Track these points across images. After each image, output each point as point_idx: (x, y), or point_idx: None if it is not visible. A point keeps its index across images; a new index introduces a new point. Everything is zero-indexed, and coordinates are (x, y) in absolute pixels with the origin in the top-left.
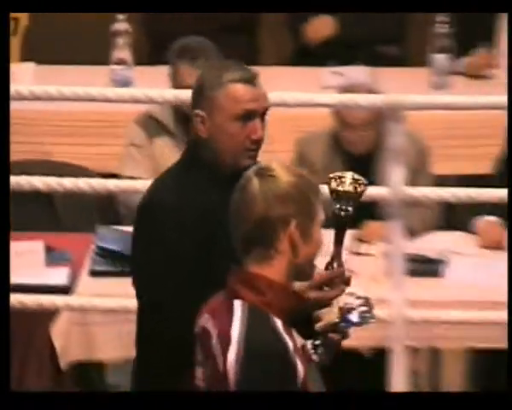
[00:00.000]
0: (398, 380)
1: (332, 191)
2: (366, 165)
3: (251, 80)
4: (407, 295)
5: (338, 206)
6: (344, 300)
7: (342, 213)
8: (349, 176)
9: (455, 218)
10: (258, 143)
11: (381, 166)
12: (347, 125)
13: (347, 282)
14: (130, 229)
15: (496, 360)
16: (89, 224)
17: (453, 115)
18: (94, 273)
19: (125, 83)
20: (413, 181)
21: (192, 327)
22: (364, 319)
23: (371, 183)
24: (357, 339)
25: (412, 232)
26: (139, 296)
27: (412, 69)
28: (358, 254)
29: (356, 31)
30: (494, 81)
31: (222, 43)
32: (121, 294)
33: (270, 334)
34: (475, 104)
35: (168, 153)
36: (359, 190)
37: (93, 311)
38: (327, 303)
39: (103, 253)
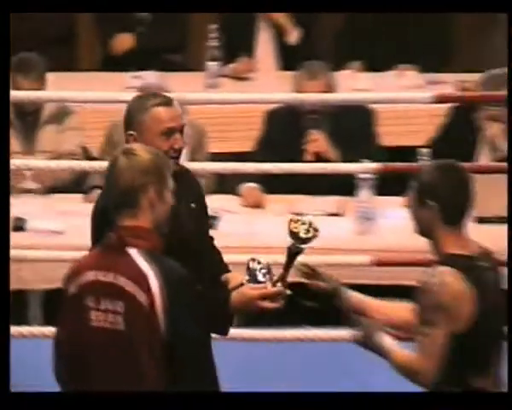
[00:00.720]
0: None
1: (290, 231)
2: None
3: (168, 103)
4: None
5: (292, 243)
6: (250, 264)
7: (293, 249)
8: (306, 222)
9: (224, 184)
10: (179, 151)
11: None
12: None
13: (284, 297)
14: None
15: None
16: None
17: (225, 108)
18: None
19: None
20: (193, 157)
21: None
22: (266, 278)
23: None
24: None
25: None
26: None
27: (193, 73)
28: None
29: (149, 42)
30: (253, 82)
31: (47, 55)
32: None
33: (173, 264)
34: (240, 100)
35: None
36: (311, 235)
37: None
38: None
39: None
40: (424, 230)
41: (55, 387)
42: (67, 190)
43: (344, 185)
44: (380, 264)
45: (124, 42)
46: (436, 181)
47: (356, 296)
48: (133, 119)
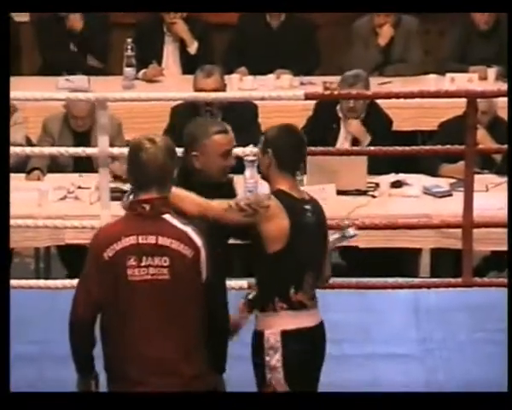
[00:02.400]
0: None
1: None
2: (87, 137)
3: (226, 131)
4: (112, 212)
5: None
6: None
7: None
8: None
9: None
10: (232, 168)
11: (95, 137)
12: (73, 114)
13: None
14: None
15: None
16: None
17: (138, 105)
18: None
19: None
20: (112, 144)
21: None
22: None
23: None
24: None
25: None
26: None
27: (112, 77)
28: None
29: (78, 52)
30: (161, 84)
31: None
32: None
33: (202, 224)
34: (151, 98)
35: None
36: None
37: None
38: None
39: None
40: (265, 173)
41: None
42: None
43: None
44: None
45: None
46: (273, 134)
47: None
48: (197, 142)
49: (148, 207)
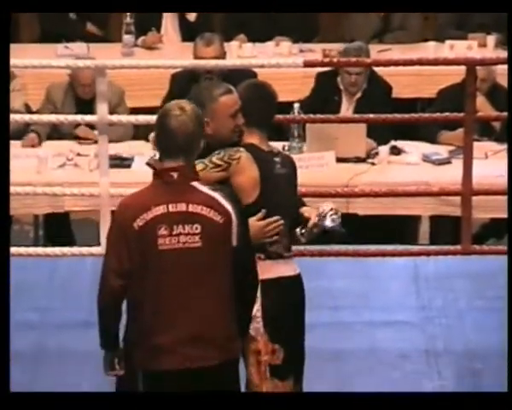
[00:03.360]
0: None
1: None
2: (90, 105)
3: (231, 91)
4: (111, 179)
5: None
6: (321, 207)
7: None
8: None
9: (139, 132)
10: (241, 127)
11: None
12: (78, 81)
13: None
14: None
15: None
16: None
17: (138, 72)
18: None
19: None
20: (114, 111)
21: None
22: (334, 222)
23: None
24: None
25: (116, 140)
26: None
27: (112, 44)
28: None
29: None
30: (161, 51)
31: None
32: None
33: (229, 189)
34: (150, 65)
35: None
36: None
37: None
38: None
39: None
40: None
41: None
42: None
43: None
44: None
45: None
46: (242, 90)
47: None
48: (205, 108)
49: (176, 175)
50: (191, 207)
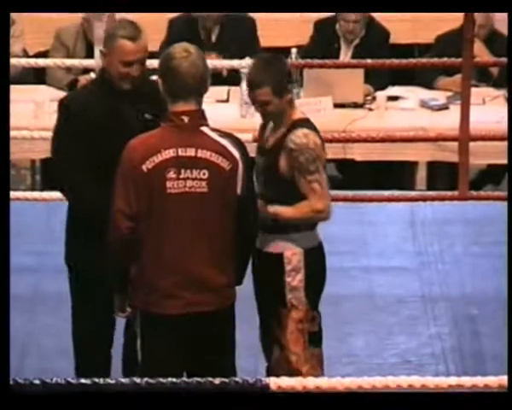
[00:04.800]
0: None
1: None
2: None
3: (134, 38)
4: None
5: None
6: None
7: None
8: None
9: None
10: (133, 78)
11: None
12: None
13: None
14: None
15: None
16: None
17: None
18: None
19: None
20: None
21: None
22: None
23: None
24: None
25: None
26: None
27: None
28: None
29: None
30: None
31: None
32: None
33: (236, 137)
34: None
35: None
36: None
37: None
38: None
39: None
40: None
41: None
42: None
43: (231, 78)
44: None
45: None
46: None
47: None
48: (107, 41)
49: (186, 119)
50: (200, 153)
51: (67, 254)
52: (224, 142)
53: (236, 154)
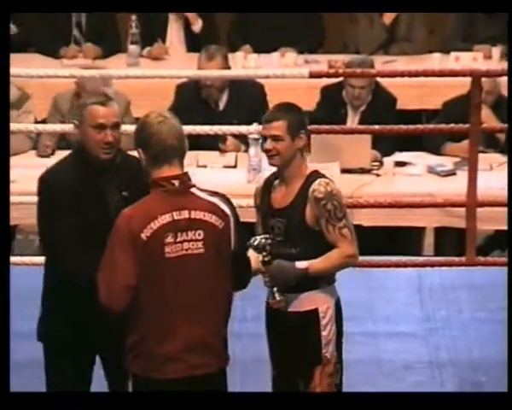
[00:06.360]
0: None
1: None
2: None
3: (104, 103)
4: None
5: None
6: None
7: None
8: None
9: None
10: (109, 144)
11: None
12: (84, 90)
13: None
14: None
15: None
16: None
17: (144, 82)
18: None
19: None
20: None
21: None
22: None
23: None
24: None
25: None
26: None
27: (117, 55)
28: None
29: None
30: (166, 62)
31: None
32: None
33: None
34: (156, 75)
35: None
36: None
37: None
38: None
39: None
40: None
41: None
42: None
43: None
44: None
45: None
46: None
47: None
48: (79, 112)
49: (177, 182)
50: (194, 214)
51: (44, 328)
52: (215, 200)
53: (227, 210)
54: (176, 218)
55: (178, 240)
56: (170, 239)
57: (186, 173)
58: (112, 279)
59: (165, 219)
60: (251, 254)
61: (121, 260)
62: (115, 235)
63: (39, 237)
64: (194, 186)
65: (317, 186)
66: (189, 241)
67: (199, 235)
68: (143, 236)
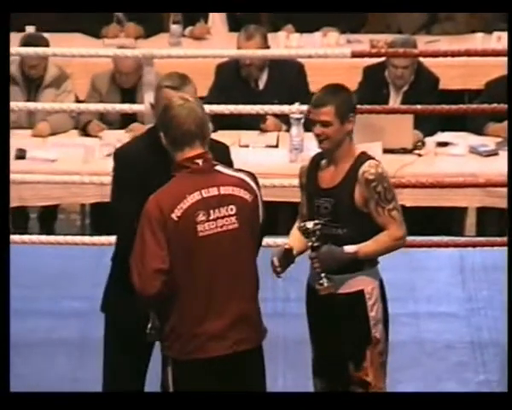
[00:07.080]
0: None
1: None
2: (133, 94)
3: (177, 87)
4: None
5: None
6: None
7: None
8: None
9: None
10: None
11: (141, 94)
12: (119, 69)
13: None
14: None
15: None
16: None
17: (185, 61)
18: None
19: None
20: None
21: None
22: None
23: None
24: None
25: None
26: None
27: (163, 34)
28: None
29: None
30: (207, 42)
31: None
32: None
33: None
34: (197, 55)
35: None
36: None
37: None
38: None
39: None
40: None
41: None
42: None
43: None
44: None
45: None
46: None
47: None
48: (155, 94)
49: (200, 161)
50: (223, 190)
51: (107, 302)
52: (241, 175)
53: (254, 185)
54: (205, 196)
55: (211, 218)
56: (202, 217)
57: (208, 152)
58: (142, 264)
59: (195, 197)
60: (297, 237)
61: (151, 245)
62: (145, 220)
63: (111, 210)
64: (218, 164)
65: (368, 168)
66: (222, 217)
67: (231, 210)
68: (174, 216)
